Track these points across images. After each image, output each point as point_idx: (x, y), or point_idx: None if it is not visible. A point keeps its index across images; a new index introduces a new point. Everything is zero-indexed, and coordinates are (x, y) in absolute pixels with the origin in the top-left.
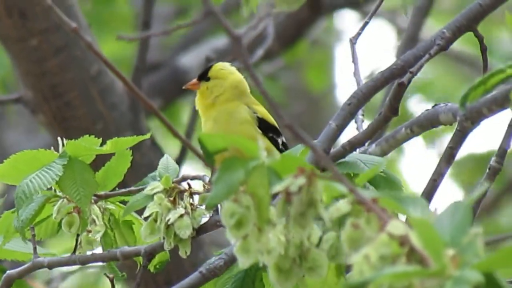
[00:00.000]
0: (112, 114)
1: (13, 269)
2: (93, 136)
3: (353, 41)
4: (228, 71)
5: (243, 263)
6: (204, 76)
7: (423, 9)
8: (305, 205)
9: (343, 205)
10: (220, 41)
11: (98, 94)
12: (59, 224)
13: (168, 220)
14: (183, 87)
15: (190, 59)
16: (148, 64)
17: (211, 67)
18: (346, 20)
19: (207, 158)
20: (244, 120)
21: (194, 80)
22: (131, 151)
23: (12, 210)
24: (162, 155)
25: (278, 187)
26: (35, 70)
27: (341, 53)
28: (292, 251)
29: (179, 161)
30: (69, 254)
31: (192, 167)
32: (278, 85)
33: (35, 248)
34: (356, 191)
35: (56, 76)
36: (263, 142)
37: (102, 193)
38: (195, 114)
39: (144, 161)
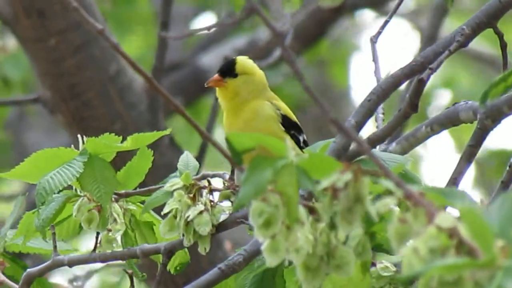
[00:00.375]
0: (130, 114)
1: (33, 267)
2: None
3: (373, 40)
4: (252, 66)
5: (271, 262)
6: (229, 73)
7: (441, 9)
8: (352, 201)
9: (389, 200)
10: (240, 41)
11: (116, 94)
12: (80, 225)
13: (188, 216)
14: (206, 85)
15: (211, 59)
16: (169, 63)
17: (234, 62)
18: (367, 18)
19: (235, 158)
20: (269, 116)
21: (216, 76)
22: (152, 151)
23: (33, 210)
24: (181, 154)
25: (324, 183)
26: (53, 70)
27: (361, 51)
28: (320, 249)
29: (199, 159)
30: (89, 252)
31: (211, 165)
32: (298, 84)
33: (55, 246)
34: (404, 186)
35: (74, 75)
36: (290, 141)
37: (122, 192)
38: (215, 112)
39: (163, 161)
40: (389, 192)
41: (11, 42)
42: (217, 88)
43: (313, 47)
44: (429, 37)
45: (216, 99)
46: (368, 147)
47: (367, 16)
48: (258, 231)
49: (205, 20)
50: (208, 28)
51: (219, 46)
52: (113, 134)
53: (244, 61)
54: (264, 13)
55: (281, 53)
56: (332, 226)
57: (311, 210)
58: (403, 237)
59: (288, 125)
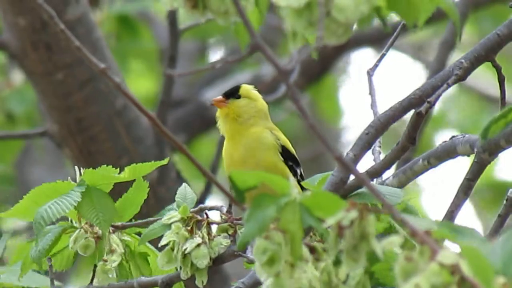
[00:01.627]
0: (137, 148)
1: None
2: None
3: (370, 73)
4: (256, 93)
5: None
6: (233, 95)
7: (447, 43)
8: (358, 239)
9: (395, 238)
10: (244, 76)
11: (123, 128)
12: (74, 256)
13: (185, 249)
14: (210, 103)
15: (215, 94)
16: (173, 99)
17: (238, 87)
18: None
19: (238, 196)
20: (271, 145)
21: (220, 97)
22: (147, 183)
23: (27, 241)
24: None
25: (330, 221)
26: (61, 104)
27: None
28: None
29: (205, 195)
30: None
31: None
32: (297, 120)
33: (52, 280)
34: (409, 224)
35: (81, 110)
36: (293, 179)
37: (119, 223)
38: (221, 148)
39: (170, 195)
40: (390, 230)
41: (16, 77)
42: (218, 110)
43: (316, 83)
44: (436, 72)
45: (222, 135)
46: (369, 181)
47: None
48: (262, 269)
49: (212, 56)
50: (213, 66)
51: (223, 82)
52: (120, 169)
53: (248, 87)
54: (268, 51)
55: (286, 90)
56: (336, 263)
57: (311, 250)
58: (409, 275)
59: (287, 156)
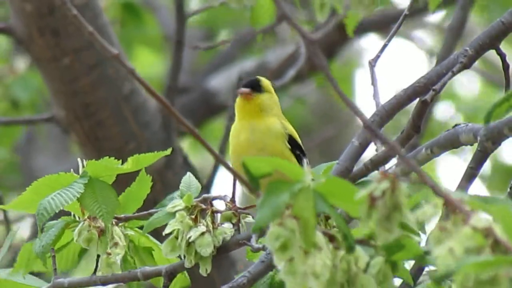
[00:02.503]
0: (144, 134)
1: None
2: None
3: (372, 64)
4: (271, 86)
5: (291, 286)
6: (257, 88)
7: (455, 30)
8: (390, 209)
9: (429, 208)
10: (249, 63)
11: (130, 113)
12: (79, 254)
13: (189, 237)
14: (238, 94)
15: (219, 82)
16: (178, 87)
17: (259, 80)
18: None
19: (252, 182)
20: (279, 134)
21: (248, 90)
22: (151, 177)
23: (30, 241)
24: (195, 173)
25: (362, 192)
26: (67, 89)
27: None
28: (340, 276)
29: (212, 178)
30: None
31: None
32: (307, 108)
33: (55, 269)
34: (444, 193)
35: (88, 95)
36: (308, 166)
37: (122, 216)
38: (228, 133)
39: (177, 180)
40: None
41: (20, 64)
42: (239, 101)
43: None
44: (444, 59)
45: (230, 119)
46: (400, 149)
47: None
48: (275, 255)
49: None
50: (227, 42)
51: (227, 69)
52: (127, 154)
53: (267, 80)
54: (295, 20)
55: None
56: (351, 248)
57: (331, 238)
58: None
59: (293, 145)
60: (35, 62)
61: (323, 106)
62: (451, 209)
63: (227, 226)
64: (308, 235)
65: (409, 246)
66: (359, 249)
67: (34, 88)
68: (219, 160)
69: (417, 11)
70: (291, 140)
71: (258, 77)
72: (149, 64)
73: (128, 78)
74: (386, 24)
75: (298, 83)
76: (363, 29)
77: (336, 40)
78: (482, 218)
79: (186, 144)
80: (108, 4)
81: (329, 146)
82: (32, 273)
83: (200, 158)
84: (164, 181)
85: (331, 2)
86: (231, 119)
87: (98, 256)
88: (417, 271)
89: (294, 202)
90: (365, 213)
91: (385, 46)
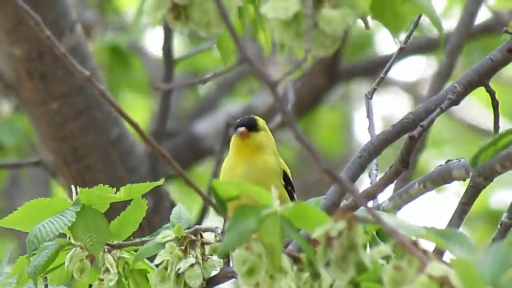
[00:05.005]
0: (131, 178)
1: None
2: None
3: (368, 96)
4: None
5: None
6: (253, 128)
7: (441, 74)
8: (346, 249)
9: (384, 248)
10: (235, 107)
11: (118, 158)
12: (73, 273)
13: (179, 269)
14: (237, 134)
15: (206, 126)
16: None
17: (255, 119)
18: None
19: (219, 205)
20: (275, 171)
21: (244, 129)
22: (146, 201)
23: (26, 255)
24: None
25: (318, 231)
26: (56, 133)
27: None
28: None
29: (201, 218)
30: None
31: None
32: (294, 153)
33: None
34: (397, 234)
35: (77, 139)
36: (276, 191)
37: (115, 243)
38: (216, 174)
39: (164, 224)
40: (375, 243)
41: (4, 107)
42: (236, 139)
43: (308, 115)
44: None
45: (218, 163)
46: (362, 196)
47: (363, 86)
48: (242, 279)
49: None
50: (205, 80)
51: (213, 113)
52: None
53: (262, 119)
54: (256, 63)
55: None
56: (317, 275)
57: (295, 260)
58: (398, 284)
59: (286, 182)
60: (23, 106)
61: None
62: (407, 250)
63: (216, 258)
64: (274, 260)
65: (374, 267)
66: (321, 272)
67: (19, 131)
68: (202, 196)
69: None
70: (285, 176)
71: (253, 116)
72: (136, 108)
73: (117, 122)
74: (373, 70)
75: (285, 127)
76: (350, 74)
77: (322, 85)
78: (439, 266)
79: (173, 190)
80: (96, 49)
81: (315, 189)
82: None
83: (186, 204)
84: (151, 226)
85: (291, 44)
86: (219, 163)
87: (90, 286)
88: None
89: (261, 227)
90: (321, 252)
91: (381, 79)
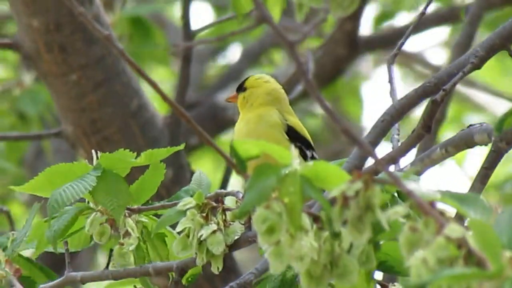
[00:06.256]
0: (152, 149)
1: (45, 283)
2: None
3: (390, 61)
4: (263, 80)
5: (275, 268)
6: (241, 88)
7: (462, 46)
8: (363, 209)
9: (400, 209)
10: None
11: (138, 129)
12: (92, 236)
13: (201, 236)
14: (225, 100)
15: (228, 96)
16: (186, 103)
17: (245, 79)
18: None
19: (239, 165)
20: (273, 123)
21: (233, 93)
22: (164, 164)
23: (44, 219)
24: None
25: (334, 191)
26: (75, 105)
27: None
28: (323, 258)
29: (223, 184)
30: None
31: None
32: (317, 122)
33: (68, 263)
34: (414, 195)
35: (96, 111)
36: (295, 150)
37: (135, 207)
38: None
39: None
40: (394, 202)
41: (26, 78)
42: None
43: (330, 86)
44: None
45: None
46: (384, 160)
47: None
48: (262, 238)
49: (223, 57)
50: (221, 39)
51: (236, 84)
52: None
53: (256, 77)
54: (274, 23)
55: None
56: (336, 235)
57: (315, 219)
58: (413, 246)
59: (295, 137)
60: (43, 78)
61: (331, 120)
62: (423, 212)
63: (237, 224)
64: (294, 219)
65: (393, 226)
66: (342, 230)
67: (41, 102)
68: (228, 160)
69: (424, 24)
70: (292, 131)
71: (246, 78)
72: (158, 79)
73: (136, 94)
74: (393, 40)
75: (308, 97)
76: (371, 44)
77: (343, 56)
78: (456, 228)
79: (193, 161)
80: (116, 20)
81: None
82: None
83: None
84: (172, 195)
85: (309, 3)
86: None
87: (111, 250)
88: (388, 280)
89: (281, 185)
90: (337, 212)
91: (402, 44)
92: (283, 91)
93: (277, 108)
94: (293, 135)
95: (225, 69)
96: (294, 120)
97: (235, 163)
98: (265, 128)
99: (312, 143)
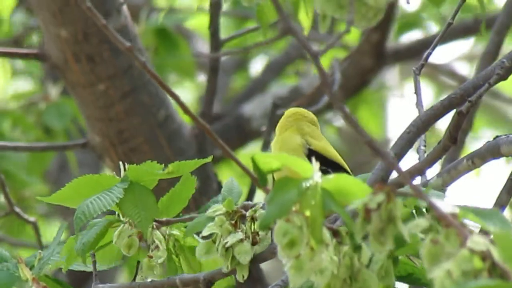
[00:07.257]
0: (179, 160)
1: None
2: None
3: (416, 72)
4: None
5: (295, 282)
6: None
7: (490, 55)
8: (384, 222)
9: (422, 221)
10: (282, 89)
11: (165, 140)
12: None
13: (226, 242)
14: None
15: (253, 107)
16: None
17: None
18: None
19: (260, 178)
20: (295, 146)
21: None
22: (195, 177)
23: (76, 235)
24: None
25: (356, 204)
26: (102, 115)
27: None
28: (343, 272)
29: (249, 199)
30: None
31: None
32: (340, 133)
33: (95, 275)
34: (436, 207)
35: (123, 121)
36: (316, 163)
37: (163, 219)
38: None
39: None
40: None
41: (52, 91)
42: None
43: (355, 97)
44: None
45: (265, 145)
46: (410, 172)
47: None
48: (282, 251)
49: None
50: (247, 50)
51: (261, 95)
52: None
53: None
54: (300, 33)
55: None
56: (357, 248)
57: (335, 233)
58: (435, 258)
59: (320, 162)
60: (70, 88)
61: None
62: (444, 224)
63: (264, 235)
64: (315, 232)
65: (412, 241)
66: (362, 245)
67: (67, 115)
68: (250, 175)
69: (450, 35)
70: (316, 156)
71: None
72: (182, 92)
73: (163, 104)
74: (419, 51)
75: (332, 109)
76: (397, 55)
77: (369, 67)
78: (480, 241)
79: (221, 172)
80: (141, 31)
81: (361, 171)
82: None
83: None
84: (199, 207)
85: (333, 14)
86: (266, 144)
87: (138, 262)
88: None
89: (302, 199)
90: (359, 225)
91: (429, 54)
92: (312, 116)
93: (301, 134)
94: (318, 160)
95: (250, 83)
96: (318, 145)
97: (256, 176)
98: (287, 151)
99: (345, 166)
